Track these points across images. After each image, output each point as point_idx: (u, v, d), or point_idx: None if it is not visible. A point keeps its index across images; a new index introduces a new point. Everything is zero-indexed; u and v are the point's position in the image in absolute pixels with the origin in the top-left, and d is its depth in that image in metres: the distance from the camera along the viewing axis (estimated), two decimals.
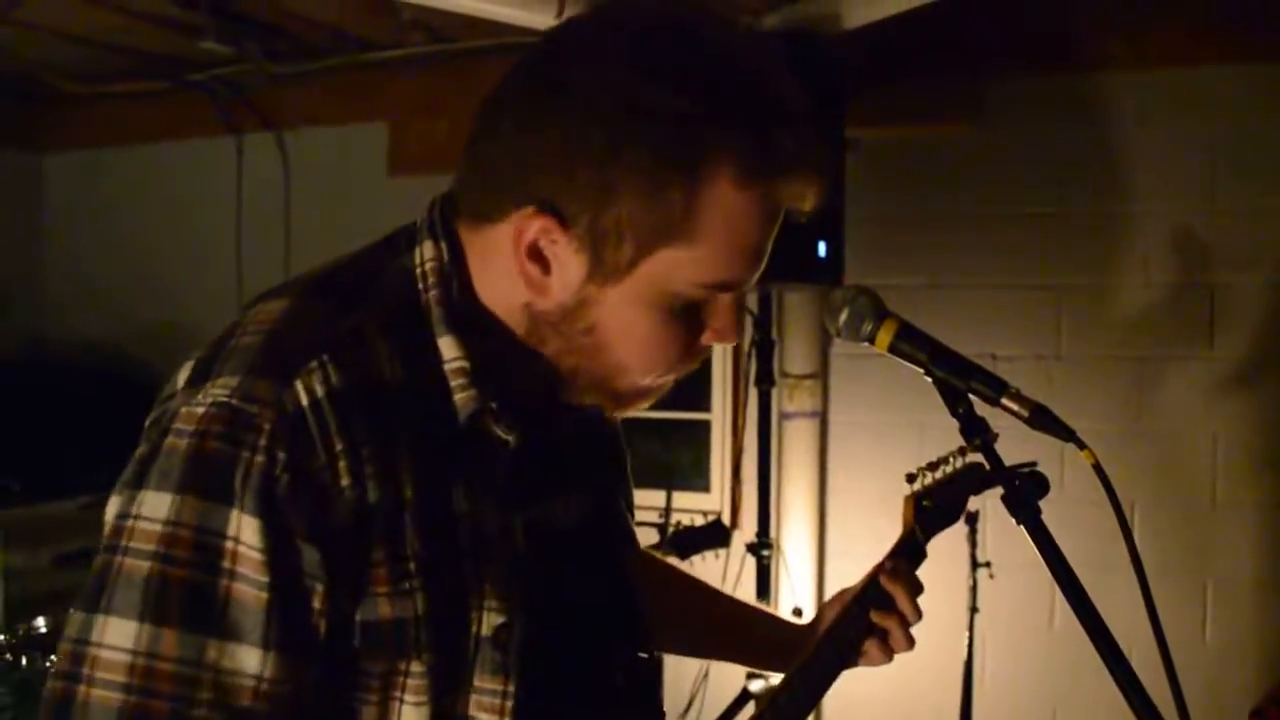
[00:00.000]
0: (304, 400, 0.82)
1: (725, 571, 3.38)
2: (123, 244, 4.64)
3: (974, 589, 2.96)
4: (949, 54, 3.43)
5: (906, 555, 1.32)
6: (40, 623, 2.63)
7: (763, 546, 2.99)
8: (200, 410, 0.82)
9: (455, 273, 0.92)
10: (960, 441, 1.09)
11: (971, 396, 1.07)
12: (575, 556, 1.03)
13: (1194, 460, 3.29)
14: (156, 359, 4.54)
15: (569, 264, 0.88)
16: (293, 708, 0.81)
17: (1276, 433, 3.23)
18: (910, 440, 3.47)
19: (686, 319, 0.92)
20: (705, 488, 3.78)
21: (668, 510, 3.42)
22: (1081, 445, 1.02)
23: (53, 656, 2.60)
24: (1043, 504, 3.67)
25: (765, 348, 3.10)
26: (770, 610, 1.40)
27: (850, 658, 1.26)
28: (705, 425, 3.80)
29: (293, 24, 3.70)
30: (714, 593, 1.42)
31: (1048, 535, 1.03)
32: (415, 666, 0.86)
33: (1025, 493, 1.03)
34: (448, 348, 0.90)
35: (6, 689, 2.55)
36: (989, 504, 3.39)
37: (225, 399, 0.82)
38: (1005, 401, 1.04)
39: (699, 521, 3.66)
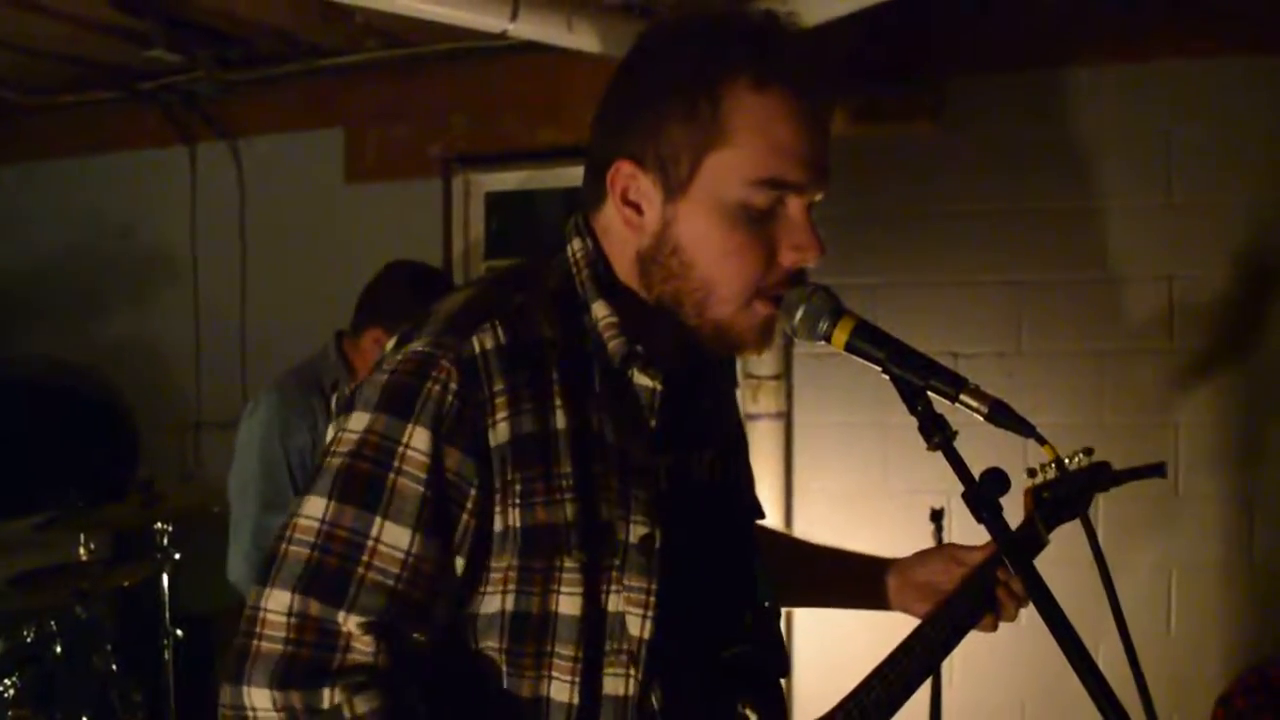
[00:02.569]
0: (476, 349, 1.04)
1: None
2: (75, 258, 4.55)
3: None
4: (909, 53, 3.44)
5: (1025, 542, 1.45)
6: None
7: None
8: (400, 358, 1.06)
9: (599, 257, 1.15)
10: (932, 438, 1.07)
11: (930, 394, 1.05)
12: (707, 506, 1.20)
13: (1156, 452, 3.29)
14: (113, 373, 4.47)
15: (651, 194, 1.10)
16: (433, 584, 1.03)
17: (1237, 423, 3.26)
18: (874, 439, 3.47)
19: (755, 230, 1.09)
20: None
21: None
22: (1041, 440, 1.01)
23: (8, 680, 2.54)
24: (1007, 498, 3.66)
25: None
26: (854, 552, 1.57)
27: (971, 624, 1.43)
28: None
29: (243, 31, 3.65)
30: (813, 550, 1.63)
31: (1009, 533, 1.01)
32: (569, 563, 1.04)
33: (986, 490, 1.01)
34: (599, 309, 1.11)
35: None
36: (954, 501, 3.43)
37: (420, 349, 1.05)
38: (964, 398, 1.03)
39: None
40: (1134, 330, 3.33)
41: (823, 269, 3.64)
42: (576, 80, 3.45)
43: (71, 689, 2.63)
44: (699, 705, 1.14)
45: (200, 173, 4.29)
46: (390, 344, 1.12)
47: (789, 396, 3.55)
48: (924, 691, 2.94)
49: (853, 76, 3.39)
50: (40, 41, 3.70)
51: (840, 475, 3.54)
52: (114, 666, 2.79)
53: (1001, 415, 1.03)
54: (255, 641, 1.00)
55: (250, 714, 0.99)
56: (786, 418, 3.53)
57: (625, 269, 1.15)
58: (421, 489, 1.01)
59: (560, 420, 1.05)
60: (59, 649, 2.64)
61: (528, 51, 3.35)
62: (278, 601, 1.00)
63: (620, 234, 1.14)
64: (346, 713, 0.98)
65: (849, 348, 1.08)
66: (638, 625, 1.06)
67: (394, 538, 1.00)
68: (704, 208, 1.08)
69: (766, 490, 3.50)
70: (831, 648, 3.47)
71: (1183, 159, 3.28)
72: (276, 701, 0.97)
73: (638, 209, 1.11)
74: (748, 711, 1.18)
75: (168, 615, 2.94)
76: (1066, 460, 1.45)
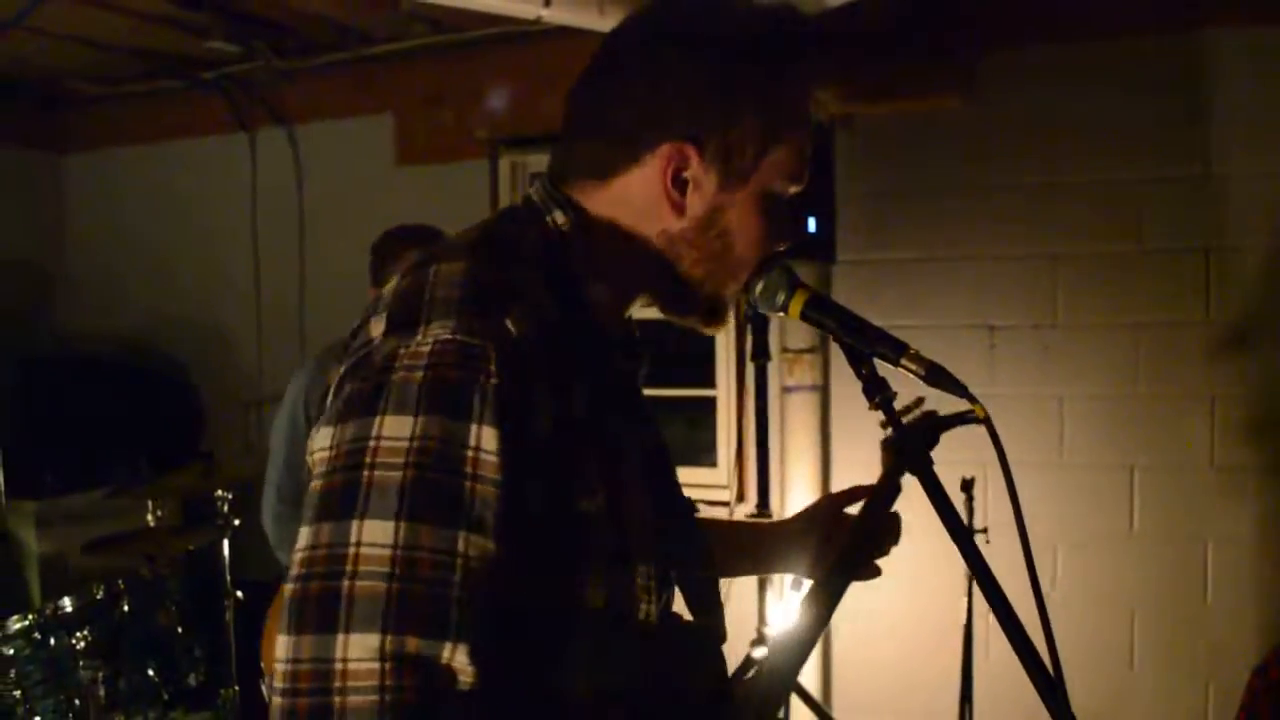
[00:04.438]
0: (515, 334, 0.95)
1: None
2: (143, 241, 4.77)
3: None
4: (940, 28, 3.46)
5: (889, 492, 1.46)
6: (66, 602, 2.74)
7: (762, 517, 3.05)
8: (426, 348, 0.94)
9: (586, 232, 1.11)
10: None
11: (876, 359, 1.13)
12: (663, 481, 1.20)
13: (1193, 423, 3.32)
14: (178, 350, 4.69)
15: (704, 181, 1.10)
16: (521, 587, 0.95)
17: (1274, 395, 3.25)
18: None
19: (778, 219, 1.14)
20: (713, 462, 3.86)
21: None
22: (973, 400, 1.08)
23: (79, 634, 2.72)
24: (1040, 469, 3.73)
25: (760, 323, 3.16)
26: (746, 520, 1.53)
27: (860, 575, 1.42)
28: (711, 402, 3.87)
29: (296, 20, 3.79)
30: (711, 522, 1.60)
31: (937, 483, 1.09)
32: (596, 556, 1.01)
33: (912, 441, 1.09)
34: (597, 292, 1.10)
35: (36, 666, 2.67)
36: (987, 470, 3.46)
37: (449, 337, 0.94)
38: (904, 362, 1.11)
39: (706, 496, 3.74)
40: (1170, 303, 3.34)
41: (860, 244, 3.70)
42: None
43: (138, 643, 2.81)
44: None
45: (260, 158, 4.46)
46: (378, 329, 0.99)
47: (825, 369, 3.61)
48: (958, 661, 3.01)
49: (885, 53, 3.42)
50: (107, 35, 3.89)
51: (876, 446, 3.56)
52: (179, 625, 2.96)
53: (938, 377, 1.11)
54: (336, 699, 0.86)
55: None
56: (823, 390, 3.59)
57: (624, 244, 1.12)
58: (498, 492, 0.92)
59: (582, 407, 1.01)
60: (126, 606, 2.82)
61: (568, 35, 3.44)
62: (362, 647, 0.86)
63: (643, 208, 1.11)
64: None
65: (803, 317, 1.16)
66: (645, 609, 1.06)
67: (483, 549, 0.91)
68: (756, 196, 1.12)
69: (805, 462, 3.58)
70: (870, 644, 3.54)
71: (1220, 131, 3.27)
72: None
73: (683, 190, 1.10)
74: (697, 675, 1.19)
75: (228, 578, 3.11)
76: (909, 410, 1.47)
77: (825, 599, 1.40)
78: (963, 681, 3.06)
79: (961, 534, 1.07)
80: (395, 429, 0.91)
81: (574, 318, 1.04)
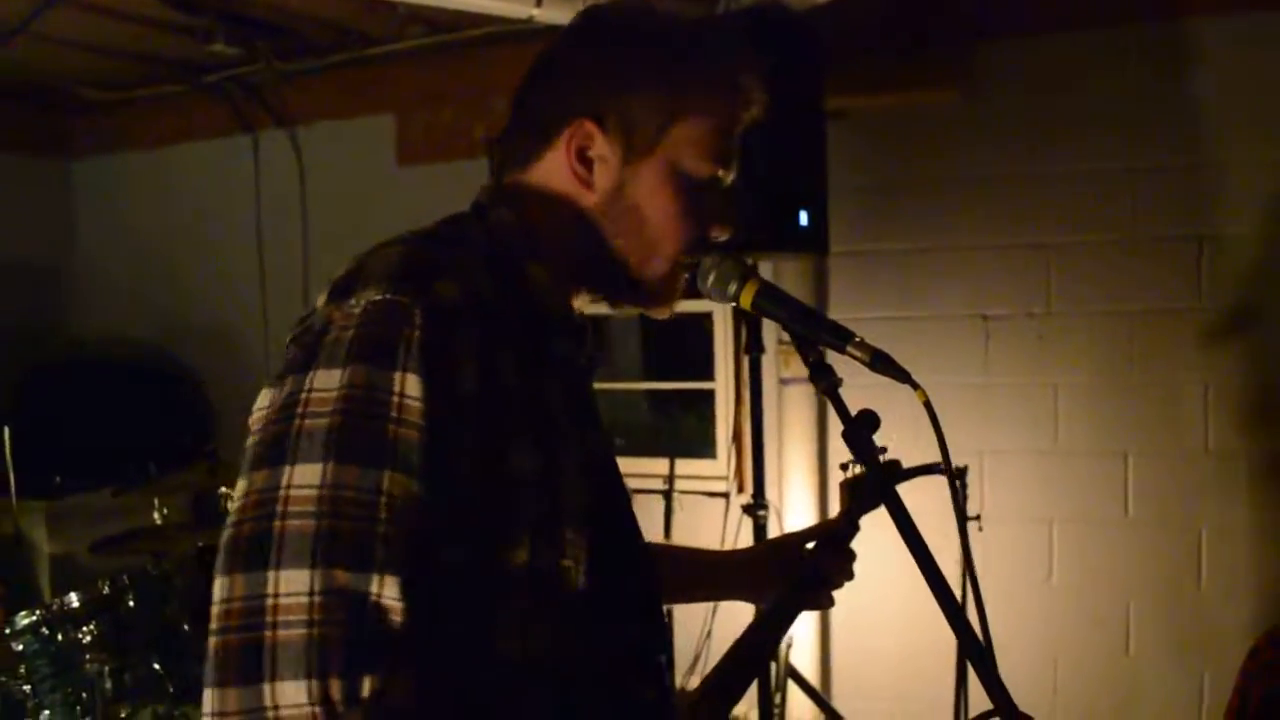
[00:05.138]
0: (442, 298, 1.00)
1: (724, 533, 3.50)
2: (150, 243, 4.84)
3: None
4: (932, 20, 3.49)
5: (846, 531, 1.52)
6: (73, 598, 2.79)
7: (759, 507, 3.08)
8: (357, 310, 1.00)
9: (525, 222, 1.17)
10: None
11: (823, 347, 1.17)
12: (609, 479, 1.23)
13: (1186, 410, 3.34)
14: (185, 350, 4.75)
15: (608, 155, 1.15)
16: (447, 525, 0.99)
17: (1266, 380, 3.27)
18: (903, 403, 3.52)
19: (695, 198, 1.18)
20: (712, 455, 3.89)
21: (671, 478, 3.54)
22: (915, 386, 1.12)
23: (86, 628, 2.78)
24: (1035, 456, 3.77)
25: (755, 317, 3.18)
26: (710, 549, 1.55)
27: (808, 605, 1.50)
28: (710, 394, 3.91)
29: (296, 23, 3.85)
30: (669, 548, 1.66)
31: (878, 461, 1.18)
32: (525, 515, 1.03)
33: (860, 428, 1.13)
34: (537, 272, 1.14)
35: (45, 660, 2.73)
36: (981, 459, 3.47)
37: (379, 298, 1.00)
38: (850, 349, 1.13)
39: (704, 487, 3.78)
40: (1163, 290, 3.36)
41: (853, 236, 3.73)
42: None
43: (144, 638, 2.86)
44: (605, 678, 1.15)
45: (263, 160, 4.52)
46: (322, 297, 1.05)
47: None
48: (949, 655, 3.04)
49: (877, 46, 3.45)
50: (111, 41, 3.94)
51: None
52: (184, 620, 3.01)
53: (881, 363, 1.14)
54: (267, 633, 0.89)
55: (271, 714, 0.88)
56: None
57: (555, 226, 1.17)
58: (421, 436, 0.96)
59: (513, 377, 1.05)
60: (132, 602, 2.87)
61: None
62: (291, 582, 0.90)
63: (562, 189, 1.17)
64: (387, 699, 0.91)
65: (754, 306, 1.19)
66: (573, 577, 1.08)
67: (406, 487, 0.95)
68: (662, 171, 1.16)
69: (801, 453, 3.61)
70: (868, 632, 3.57)
71: (1210, 118, 3.29)
72: (313, 693, 0.88)
73: (589, 167, 1.15)
74: (644, 687, 1.20)
75: None
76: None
77: (774, 624, 1.45)
78: (958, 668, 3.09)
79: (925, 557, 1.10)
80: (325, 381, 0.97)
81: (512, 295, 1.09)
